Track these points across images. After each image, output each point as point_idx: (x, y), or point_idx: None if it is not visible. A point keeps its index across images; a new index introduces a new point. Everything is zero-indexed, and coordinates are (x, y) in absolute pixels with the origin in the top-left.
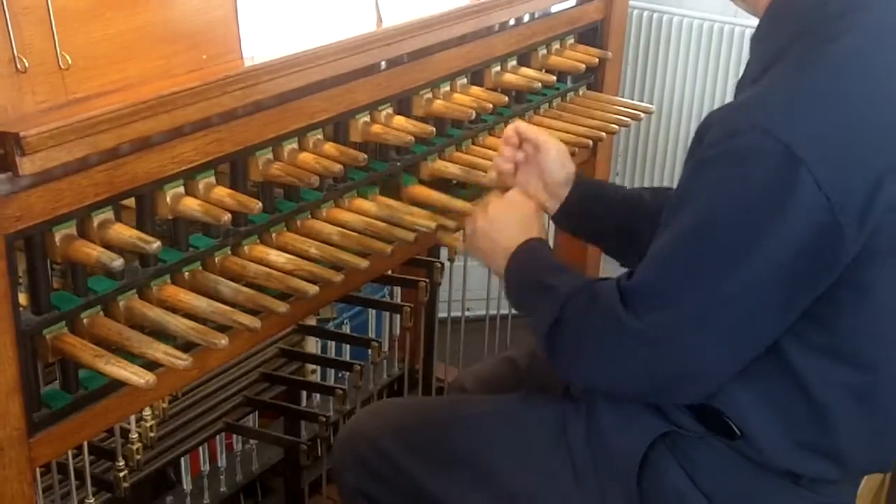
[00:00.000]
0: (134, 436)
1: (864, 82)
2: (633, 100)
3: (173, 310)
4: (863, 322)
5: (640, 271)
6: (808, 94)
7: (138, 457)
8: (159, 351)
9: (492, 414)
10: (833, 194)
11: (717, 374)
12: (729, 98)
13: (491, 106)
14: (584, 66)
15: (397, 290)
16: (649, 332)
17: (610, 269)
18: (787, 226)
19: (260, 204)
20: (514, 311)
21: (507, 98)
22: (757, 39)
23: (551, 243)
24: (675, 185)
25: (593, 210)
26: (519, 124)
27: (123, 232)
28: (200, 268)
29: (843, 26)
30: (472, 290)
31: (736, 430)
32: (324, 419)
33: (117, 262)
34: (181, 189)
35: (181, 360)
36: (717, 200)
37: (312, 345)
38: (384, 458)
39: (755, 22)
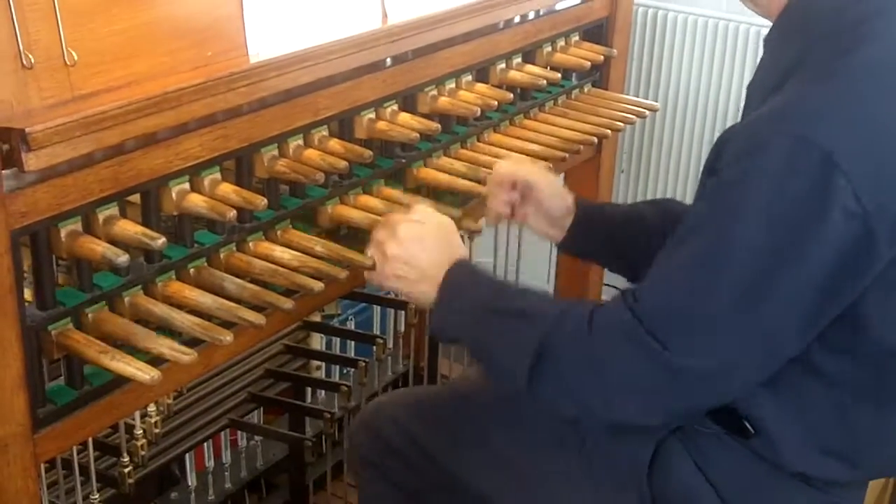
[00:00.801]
0: (139, 432)
1: (889, 91)
2: (638, 97)
3: (178, 306)
4: (887, 324)
5: (655, 294)
6: (836, 103)
7: (143, 453)
8: (164, 346)
9: (513, 400)
10: (870, 205)
11: (745, 386)
12: (734, 95)
13: (496, 103)
14: (589, 63)
15: None
16: (679, 360)
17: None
18: (822, 239)
19: (265, 200)
20: None
21: (512, 95)
22: (771, 42)
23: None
24: (679, 184)
25: (596, 235)
26: (504, 168)
27: (129, 228)
28: (206, 264)
29: (863, 33)
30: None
31: (750, 428)
32: (328, 416)
33: (122, 259)
34: (186, 185)
35: (186, 354)
36: (746, 219)
37: (317, 341)
38: (403, 433)
39: (761, 20)
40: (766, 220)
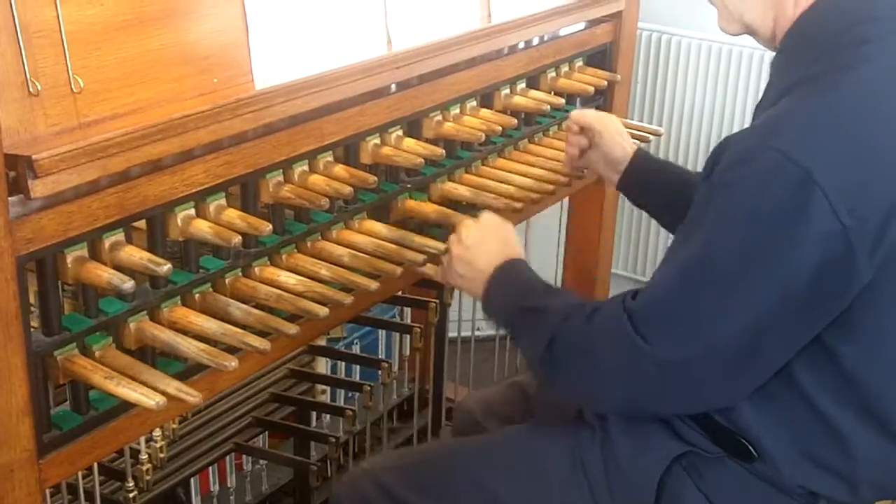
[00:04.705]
0: (144, 456)
1: (881, 111)
2: (642, 122)
3: (184, 331)
4: (871, 349)
5: (649, 293)
6: (825, 119)
7: (148, 477)
8: (171, 386)
9: (501, 444)
10: (849, 221)
11: (728, 395)
12: (738, 120)
13: (500, 128)
14: (592, 88)
15: (407, 310)
16: (659, 356)
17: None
18: (800, 251)
19: (270, 226)
20: None
21: (516, 120)
22: (776, 65)
23: (554, 257)
24: None
25: (647, 185)
26: (575, 113)
27: (134, 254)
28: (211, 289)
29: (862, 54)
30: (481, 309)
31: (753, 452)
32: (333, 440)
33: (128, 284)
34: (192, 211)
35: (192, 396)
36: (729, 226)
37: (322, 365)
38: (389, 497)
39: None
40: (746, 227)
